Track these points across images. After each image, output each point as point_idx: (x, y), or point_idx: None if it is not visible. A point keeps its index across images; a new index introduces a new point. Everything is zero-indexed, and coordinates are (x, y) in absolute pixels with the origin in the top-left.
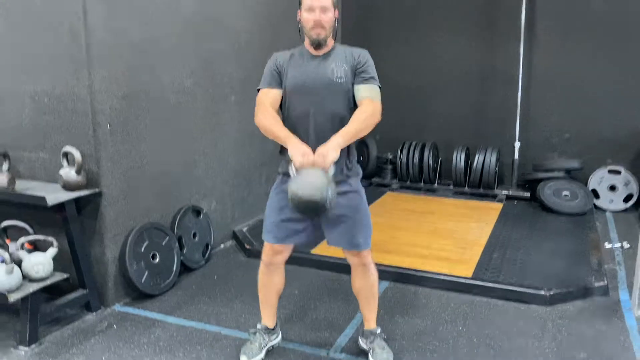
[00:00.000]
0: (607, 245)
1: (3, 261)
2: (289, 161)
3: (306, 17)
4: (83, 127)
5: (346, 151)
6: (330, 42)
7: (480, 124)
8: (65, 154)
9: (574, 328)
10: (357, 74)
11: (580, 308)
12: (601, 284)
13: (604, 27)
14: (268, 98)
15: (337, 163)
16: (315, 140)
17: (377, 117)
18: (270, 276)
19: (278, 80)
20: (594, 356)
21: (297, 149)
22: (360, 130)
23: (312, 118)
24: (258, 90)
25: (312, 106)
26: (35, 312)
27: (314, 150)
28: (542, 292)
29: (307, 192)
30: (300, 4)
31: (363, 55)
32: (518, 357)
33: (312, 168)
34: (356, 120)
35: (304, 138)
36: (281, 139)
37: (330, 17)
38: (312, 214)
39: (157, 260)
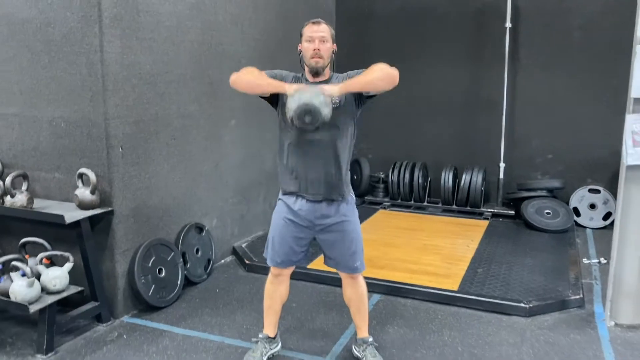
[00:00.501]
0: (586, 261)
1: (24, 275)
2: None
3: (306, 46)
4: (97, 150)
5: (340, 171)
6: (328, 72)
7: (468, 145)
8: (81, 175)
9: (550, 337)
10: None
11: (557, 319)
12: (577, 297)
13: (583, 54)
14: (260, 72)
15: (332, 181)
16: (310, 168)
17: (389, 71)
18: (278, 286)
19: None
20: None
21: (294, 85)
22: (368, 76)
23: (308, 145)
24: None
25: (305, 146)
26: (52, 323)
27: (311, 180)
28: (522, 305)
29: (306, 97)
30: (301, 35)
31: (356, 71)
32: None
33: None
34: (366, 73)
35: (300, 166)
36: (272, 85)
37: (328, 47)
38: (310, 119)
39: (163, 274)
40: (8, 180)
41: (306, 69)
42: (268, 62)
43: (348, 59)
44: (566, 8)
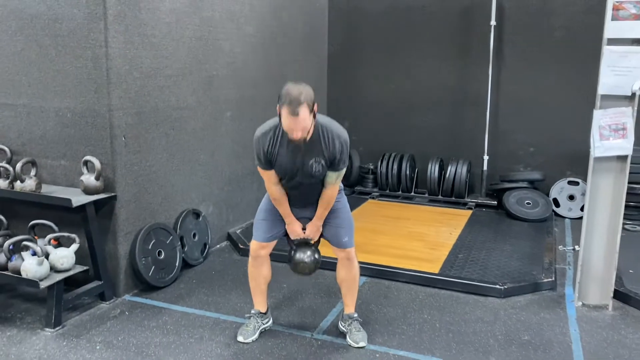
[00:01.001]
0: (561, 248)
1: (34, 254)
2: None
3: (287, 128)
4: (101, 139)
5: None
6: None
7: (453, 138)
8: (86, 162)
9: (522, 316)
10: (332, 163)
11: (530, 300)
12: (549, 280)
13: (564, 53)
14: (269, 177)
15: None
16: (303, 203)
17: (335, 197)
18: (258, 268)
19: (270, 163)
20: (535, 338)
21: (292, 229)
22: (328, 210)
23: (298, 193)
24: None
25: (298, 189)
26: (59, 299)
27: (304, 210)
28: (498, 286)
29: (302, 263)
30: (279, 110)
31: (339, 149)
32: (472, 338)
33: (305, 246)
34: (324, 205)
35: (296, 202)
36: (283, 215)
37: (308, 130)
38: (308, 274)
39: (162, 256)
40: (18, 166)
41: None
42: (263, 56)
43: (340, 54)
44: (549, 8)
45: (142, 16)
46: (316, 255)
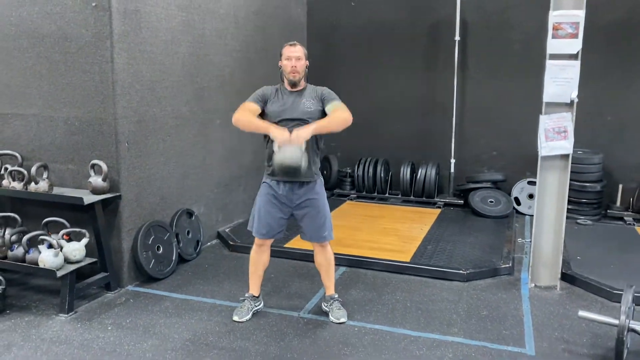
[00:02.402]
0: (520, 240)
1: (50, 246)
2: (272, 141)
3: (285, 63)
4: (107, 145)
5: (313, 153)
6: (303, 83)
7: (423, 143)
8: (93, 166)
9: (482, 296)
10: (323, 102)
11: (489, 283)
12: (507, 266)
13: (521, 64)
14: (250, 106)
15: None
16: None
17: (346, 117)
18: (261, 255)
19: (262, 103)
20: (492, 313)
21: (278, 130)
22: (330, 123)
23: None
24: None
25: (289, 129)
26: (72, 287)
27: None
28: (461, 272)
29: (287, 160)
30: (280, 55)
31: (326, 90)
32: (438, 314)
33: (290, 145)
34: (328, 116)
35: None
36: (263, 128)
37: (302, 63)
38: (292, 175)
39: (161, 251)
40: (33, 169)
41: (285, 81)
42: (247, 69)
43: (319, 66)
44: (508, 24)
45: (143, 35)
46: (303, 157)
